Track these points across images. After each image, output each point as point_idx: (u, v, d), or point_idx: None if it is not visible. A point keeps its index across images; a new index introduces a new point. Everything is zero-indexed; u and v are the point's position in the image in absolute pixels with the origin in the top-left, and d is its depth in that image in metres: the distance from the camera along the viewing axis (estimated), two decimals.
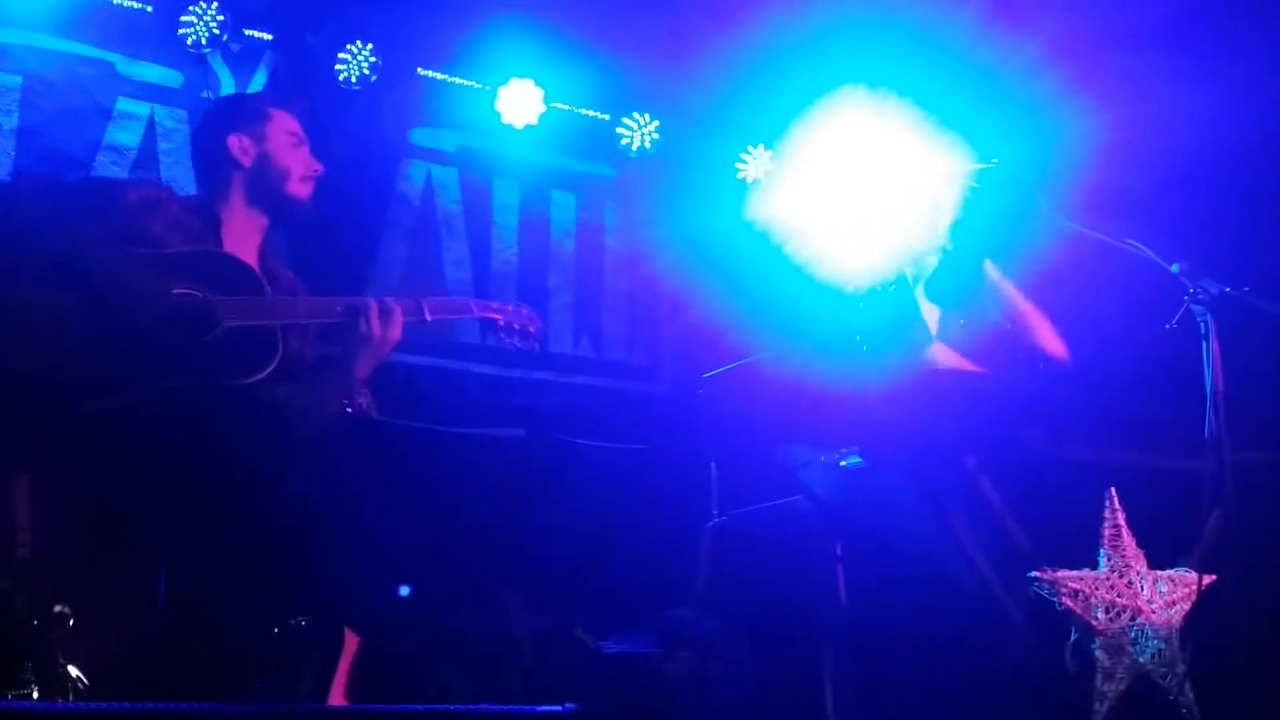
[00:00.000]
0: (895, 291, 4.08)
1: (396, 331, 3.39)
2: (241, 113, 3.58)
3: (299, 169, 3.53)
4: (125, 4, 4.96)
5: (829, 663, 3.79)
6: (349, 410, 3.65)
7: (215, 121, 3.61)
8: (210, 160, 3.57)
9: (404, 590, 3.78)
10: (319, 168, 3.58)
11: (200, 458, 3.11)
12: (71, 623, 3.11)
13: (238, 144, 3.50)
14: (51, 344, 3.03)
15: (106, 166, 4.94)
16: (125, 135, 5.00)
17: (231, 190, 3.51)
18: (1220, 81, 4.80)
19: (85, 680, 3.09)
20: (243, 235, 3.48)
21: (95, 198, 3.36)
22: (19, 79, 4.83)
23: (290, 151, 3.54)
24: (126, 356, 3.07)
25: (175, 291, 3.15)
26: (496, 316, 3.63)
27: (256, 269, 3.37)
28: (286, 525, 3.18)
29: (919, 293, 4.13)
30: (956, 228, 4.06)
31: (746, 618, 4.19)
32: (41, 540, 3.17)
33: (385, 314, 3.37)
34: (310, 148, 3.60)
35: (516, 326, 3.65)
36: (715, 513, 4.45)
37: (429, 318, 3.47)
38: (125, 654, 3.15)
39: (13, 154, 4.79)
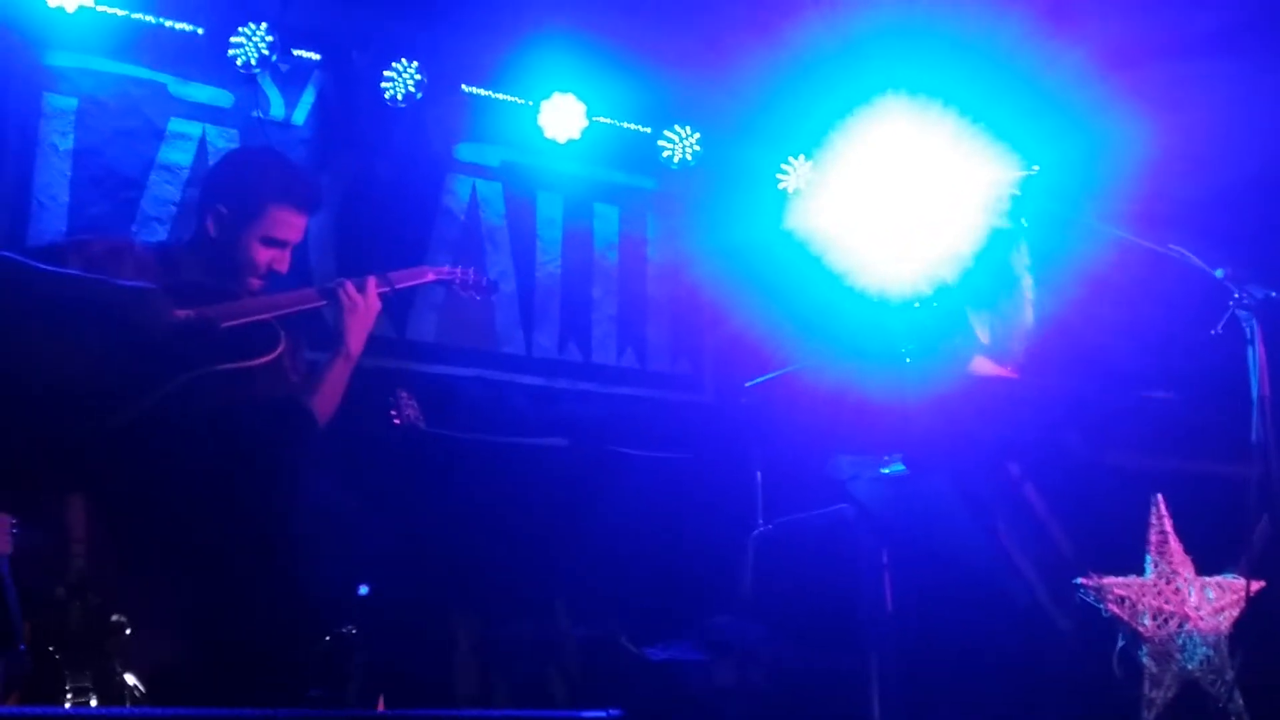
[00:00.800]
0: (940, 300, 4.08)
1: (374, 299, 3.75)
2: (242, 195, 3.65)
3: (258, 268, 3.64)
4: (176, 26, 5.06)
5: (875, 670, 3.79)
6: (397, 422, 3.73)
7: (217, 180, 3.74)
8: (197, 210, 3.72)
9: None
10: (283, 270, 3.68)
11: (230, 455, 3.19)
12: (128, 631, 3.17)
13: (213, 217, 3.63)
14: (73, 371, 3.11)
15: (160, 185, 5.04)
16: (178, 155, 5.10)
17: (195, 246, 3.67)
18: (1267, 89, 4.76)
19: (142, 688, 3.15)
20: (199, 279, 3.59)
21: (65, 255, 3.46)
22: (74, 101, 4.94)
23: (257, 250, 3.63)
24: (145, 366, 3.16)
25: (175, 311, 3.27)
26: (449, 277, 4.07)
27: (230, 287, 3.51)
28: (328, 532, 3.25)
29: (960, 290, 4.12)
30: (997, 235, 4.06)
31: (792, 626, 4.19)
32: (96, 550, 3.23)
33: (359, 286, 3.73)
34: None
35: (471, 281, 4.09)
36: (760, 521, 4.46)
37: (396, 286, 3.86)
38: (182, 662, 3.20)
39: (69, 175, 4.89)
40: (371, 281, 3.76)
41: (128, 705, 3.07)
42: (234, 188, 3.67)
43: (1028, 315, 4.11)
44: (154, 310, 3.20)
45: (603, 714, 2.46)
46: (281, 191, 3.68)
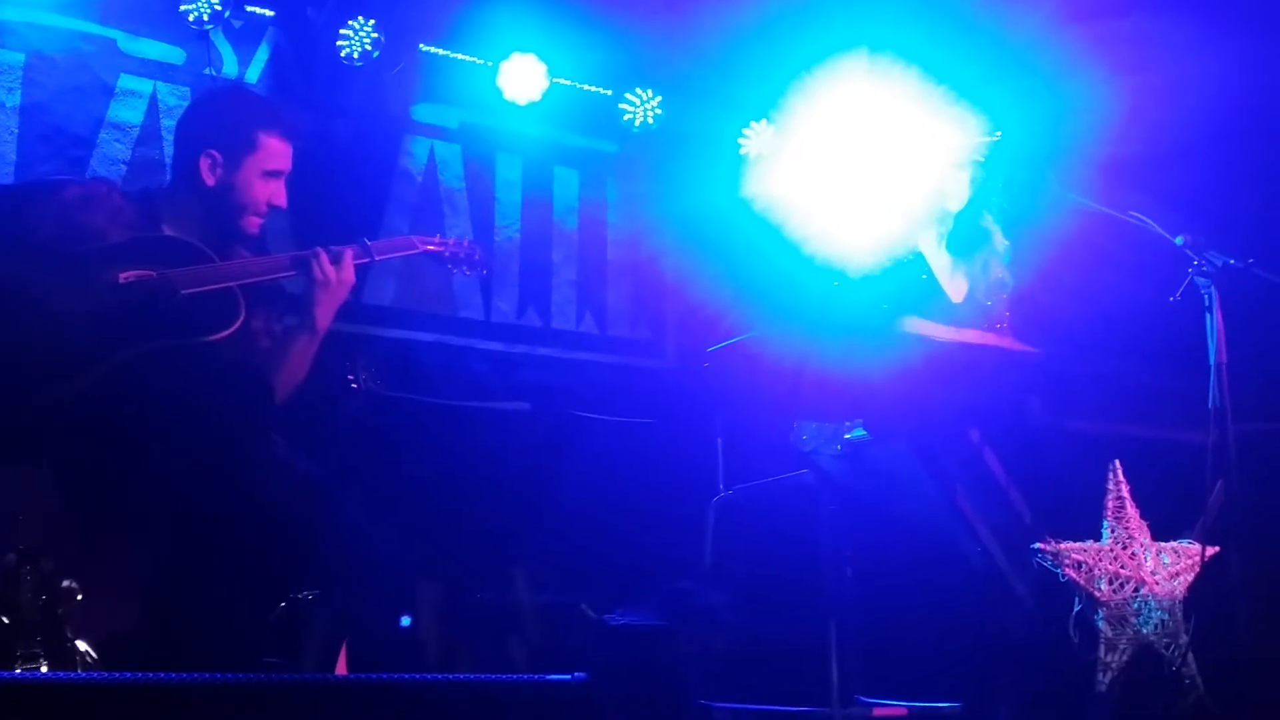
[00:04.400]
0: (912, 265, 4.07)
1: (349, 273, 3.53)
2: (230, 132, 3.52)
3: (260, 205, 3.53)
4: None
5: (834, 635, 3.81)
6: (354, 386, 3.68)
7: (199, 126, 3.58)
8: (178, 161, 3.60)
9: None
10: (282, 203, 3.58)
11: (183, 423, 3.14)
12: (80, 598, 3.13)
13: (208, 163, 3.49)
14: (21, 338, 3.06)
15: (109, 144, 4.94)
16: (128, 112, 5.00)
17: (184, 198, 3.53)
18: (1228, 52, 4.78)
19: (94, 654, 3.11)
20: (186, 231, 3.49)
21: (35, 199, 3.37)
22: (22, 56, 4.82)
23: (258, 186, 3.52)
24: (92, 340, 3.10)
25: (124, 275, 3.20)
26: (439, 249, 3.77)
27: (200, 246, 3.39)
28: (285, 497, 3.21)
29: (941, 248, 4.12)
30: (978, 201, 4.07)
31: (753, 591, 4.21)
32: (49, 516, 3.19)
33: (335, 258, 3.52)
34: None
35: (461, 255, 3.80)
36: (721, 487, 4.46)
37: (376, 258, 3.63)
38: (134, 629, 3.17)
39: (16, 131, 4.78)
40: (349, 254, 3.54)
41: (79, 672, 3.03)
42: (220, 128, 3.53)
43: (1000, 271, 4.12)
44: (95, 282, 3.15)
45: (568, 677, 2.46)
46: (266, 119, 3.56)
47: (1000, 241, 4.15)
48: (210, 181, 3.49)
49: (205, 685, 2.34)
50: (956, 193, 4.06)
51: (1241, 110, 4.87)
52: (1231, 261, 3.52)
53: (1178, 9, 4.84)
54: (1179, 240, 3.57)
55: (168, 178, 3.69)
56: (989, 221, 4.10)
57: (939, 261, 4.10)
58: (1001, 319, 4.07)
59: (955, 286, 4.09)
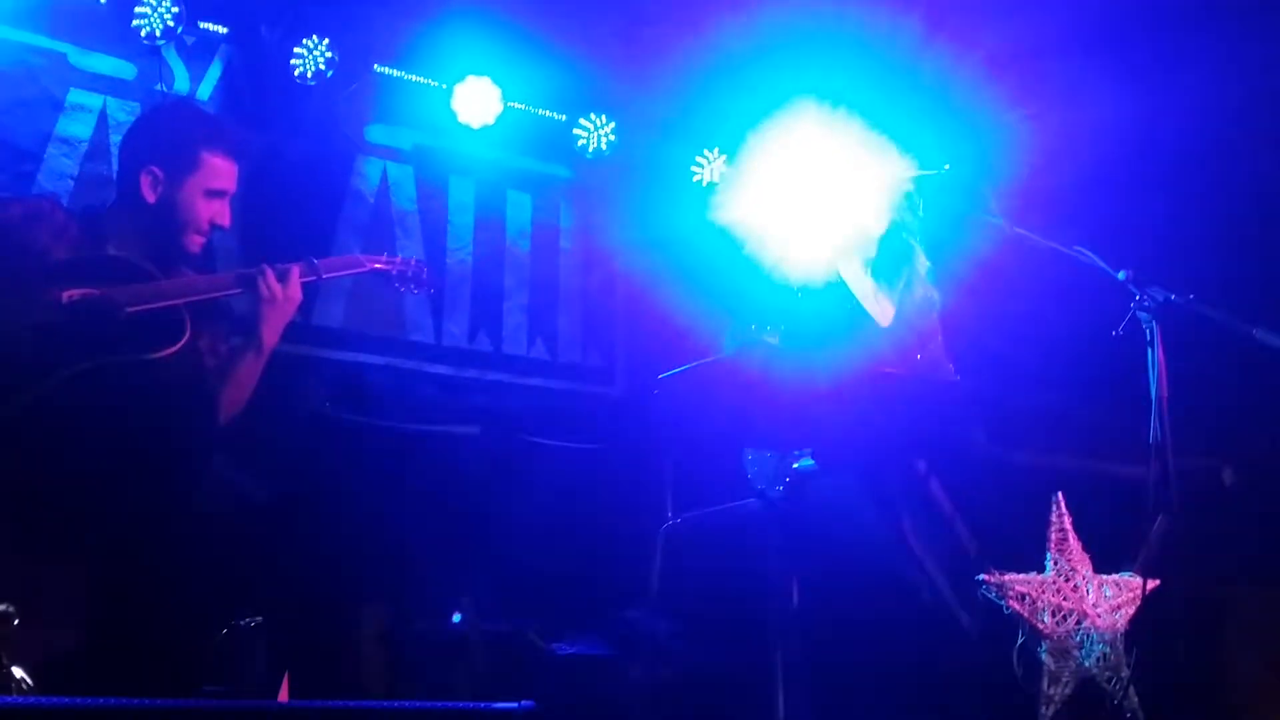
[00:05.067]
0: (833, 289, 4.10)
1: (296, 290, 3.53)
2: (173, 149, 3.51)
3: (201, 224, 3.51)
4: None
5: (780, 664, 3.81)
6: (303, 408, 3.65)
7: (143, 142, 3.57)
8: (122, 178, 3.57)
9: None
10: (225, 223, 3.56)
11: (126, 442, 3.11)
12: (16, 622, 3.07)
13: (149, 180, 3.47)
14: None
15: (57, 158, 4.88)
16: (77, 127, 4.94)
17: (127, 215, 3.51)
18: (1160, 88, 4.86)
19: (30, 681, 3.05)
20: (130, 249, 3.47)
21: None
22: None
23: (200, 205, 3.50)
24: (34, 358, 3.07)
25: (68, 294, 3.18)
26: (386, 267, 3.79)
27: (145, 265, 3.37)
28: (229, 520, 3.18)
29: (866, 273, 4.14)
30: (895, 224, 4.10)
31: (700, 620, 4.21)
32: None
33: (282, 275, 3.51)
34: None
35: (409, 274, 3.81)
36: (670, 514, 4.46)
37: (324, 275, 3.64)
38: (72, 655, 3.11)
39: None
40: (295, 271, 3.54)
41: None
42: (163, 144, 3.51)
43: (926, 289, 4.14)
44: (38, 300, 3.11)
45: (515, 706, 2.44)
46: (211, 137, 3.54)
47: (922, 262, 4.18)
48: (151, 199, 3.47)
49: (143, 711, 2.31)
50: (879, 217, 4.09)
51: (1180, 146, 4.95)
52: (1173, 297, 3.57)
53: (1105, 50, 4.93)
54: (1121, 275, 3.61)
55: (114, 194, 3.66)
56: (912, 243, 4.14)
57: (864, 286, 4.12)
58: (934, 340, 4.10)
59: (882, 310, 4.11)
